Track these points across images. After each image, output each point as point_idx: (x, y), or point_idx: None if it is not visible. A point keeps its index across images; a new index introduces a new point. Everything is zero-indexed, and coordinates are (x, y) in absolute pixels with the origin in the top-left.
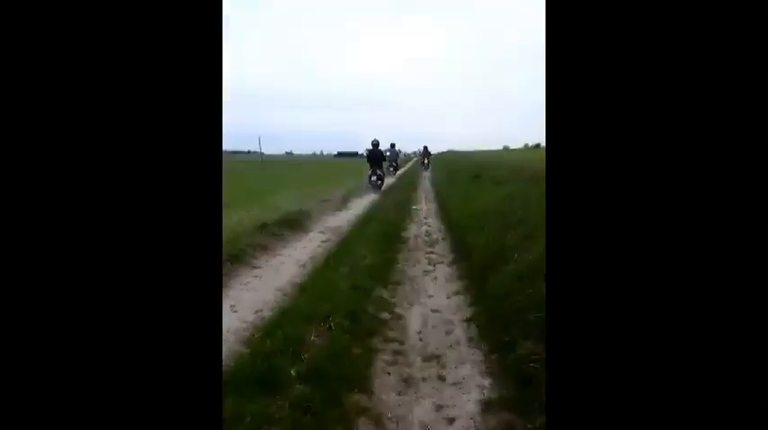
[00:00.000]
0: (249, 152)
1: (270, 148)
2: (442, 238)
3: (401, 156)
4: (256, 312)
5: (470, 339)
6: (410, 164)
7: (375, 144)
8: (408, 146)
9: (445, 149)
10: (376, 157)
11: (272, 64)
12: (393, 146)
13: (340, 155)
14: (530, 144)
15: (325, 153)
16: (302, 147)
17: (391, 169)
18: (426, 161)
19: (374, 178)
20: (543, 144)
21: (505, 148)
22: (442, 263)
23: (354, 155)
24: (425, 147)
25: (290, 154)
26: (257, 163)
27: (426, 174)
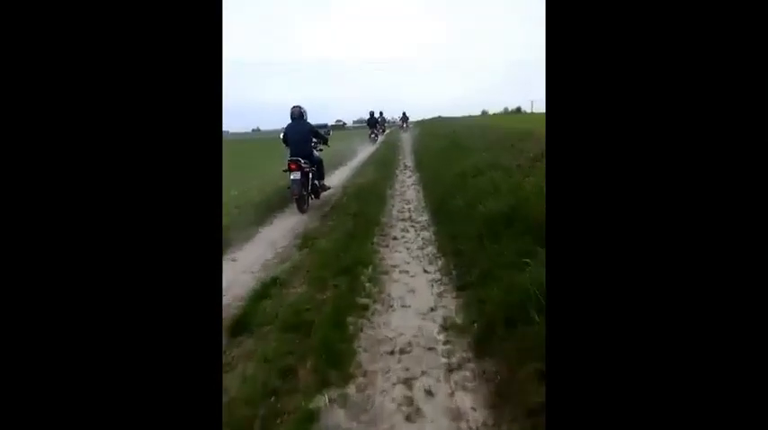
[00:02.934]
0: None
1: (235, 126)
2: (414, 161)
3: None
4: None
5: (417, 189)
6: (393, 128)
7: (371, 114)
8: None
9: (427, 117)
10: (373, 122)
11: (240, 34)
12: (381, 114)
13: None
14: (509, 108)
15: None
16: (270, 122)
17: (381, 131)
18: (405, 125)
19: (372, 135)
20: (523, 108)
21: (484, 113)
22: (412, 168)
23: (324, 127)
24: (404, 113)
25: (257, 131)
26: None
27: (405, 135)
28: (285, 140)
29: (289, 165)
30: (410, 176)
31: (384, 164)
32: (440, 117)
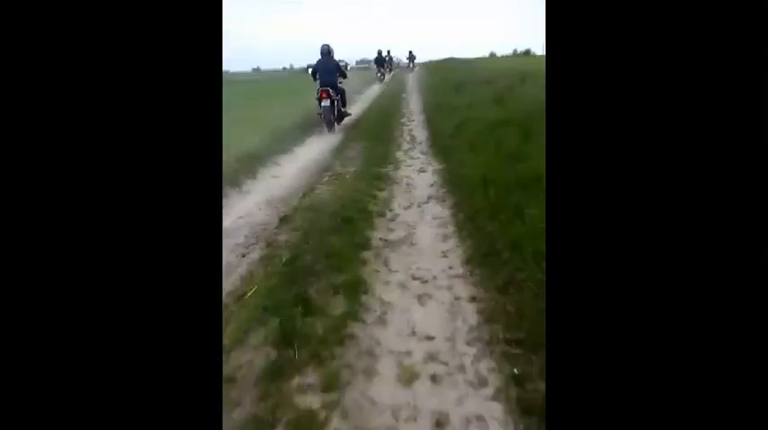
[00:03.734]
0: None
1: (234, 66)
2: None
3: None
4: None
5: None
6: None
7: (379, 52)
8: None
9: (438, 58)
10: (380, 61)
11: None
12: (389, 52)
13: (309, 67)
14: (519, 50)
15: (295, 67)
16: (271, 62)
17: (388, 70)
18: (411, 65)
19: (379, 75)
20: (533, 51)
21: (492, 55)
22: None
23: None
24: (410, 52)
25: (257, 70)
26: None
27: (411, 75)
28: (314, 74)
29: (320, 93)
30: (415, 101)
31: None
32: (452, 58)
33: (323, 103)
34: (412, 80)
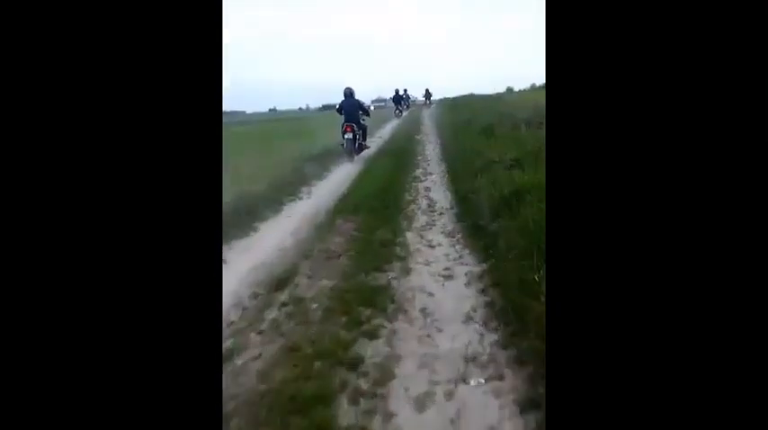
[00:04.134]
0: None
1: (251, 107)
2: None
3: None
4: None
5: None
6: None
7: (396, 91)
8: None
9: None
10: (398, 99)
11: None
12: (405, 91)
13: (325, 108)
14: (537, 84)
15: (311, 107)
16: (286, 103)
17: (406, 107)
18: (428, 102)
19: (397, 111)
20: None
21: (509, 90)
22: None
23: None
24: (427, 90)
25: (273, 110)
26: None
27: (427, 111)
28: (339, 111)
29: (345, 128)
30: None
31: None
32: (471, 95)
33: (346, 136)
34: (428, 119)
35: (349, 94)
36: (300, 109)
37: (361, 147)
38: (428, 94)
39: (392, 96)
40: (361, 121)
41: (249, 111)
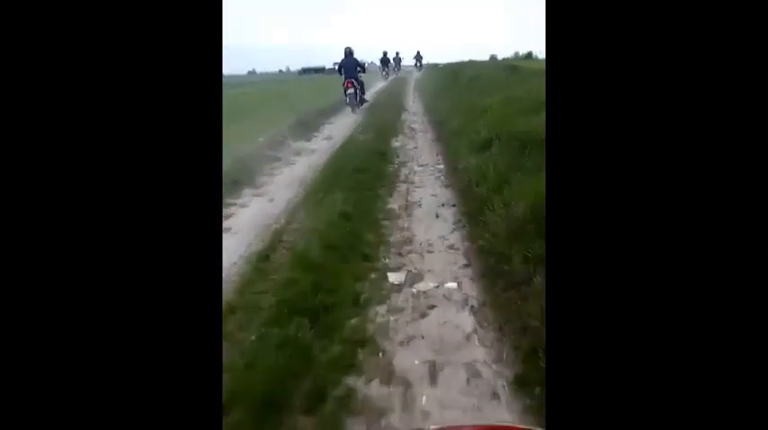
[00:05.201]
0: None
1: (228, 68)
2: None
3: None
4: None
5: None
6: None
7: (384, 53)
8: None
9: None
10: (385, 61)
11: None
12: (397, 54)
13: (305, 71)
14: (520, 53)
15: (291, 69)
16: (266, 65)
17: (395, 69)
18: (419, 64)
19: (384, 73)
20: (535, 53)
21: (492, 58)
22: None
23: (322, 70)
24: (418, 52)
25: (252, 72)
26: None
27: (418, 74)
28: (339, 70)
29: (346, 83)
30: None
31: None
32: (472, 61)
33: (348, 91)
34: (423, 94)
35: (348, 53)
36: (281, 71)
37: (362, 100)
38: (419, 57)
39: (380, 58)
40: (359, 77)
41: (226, 72)
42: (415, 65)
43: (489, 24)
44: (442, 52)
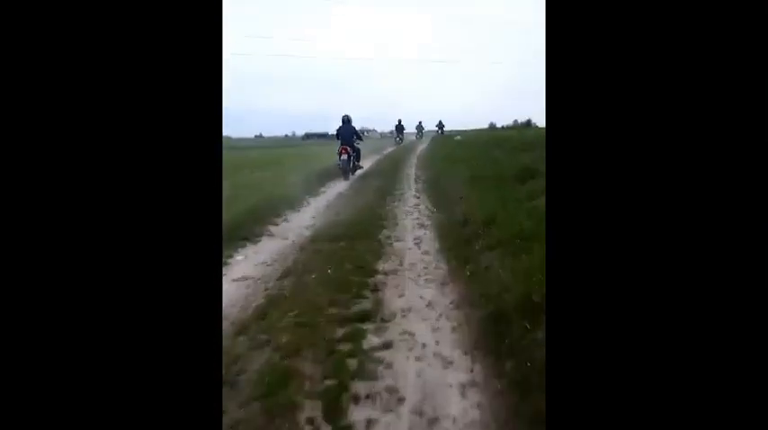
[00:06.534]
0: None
1: (237, 132)
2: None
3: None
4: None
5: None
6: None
7: (399, 121)
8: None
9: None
10: (400, 128)
11: (239, 44)
12: (400, 121)
13: (308, 137)
14: (519, 121)
15: (297, 134)
16: (273, 130)
17: (401, 137)
18: (420, 134)
19: (398, 139)
20: (534, 121)
21: (491, 126)
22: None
23: (325, 136)
24: (420, 122)
25: (259, 137)
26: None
27: (419, 142)
28: (337, 135)
29: (340, 149)
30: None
31: None
32: (493, 127)
33: (342, 157)
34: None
35: (346, 120)
36: (287, 136)
37: (355, 167)
38: (420, 126)
39: (396, 125)
40: (355, 145)
41: (234, 136)
42: (417, 135)
43: (489, 92)
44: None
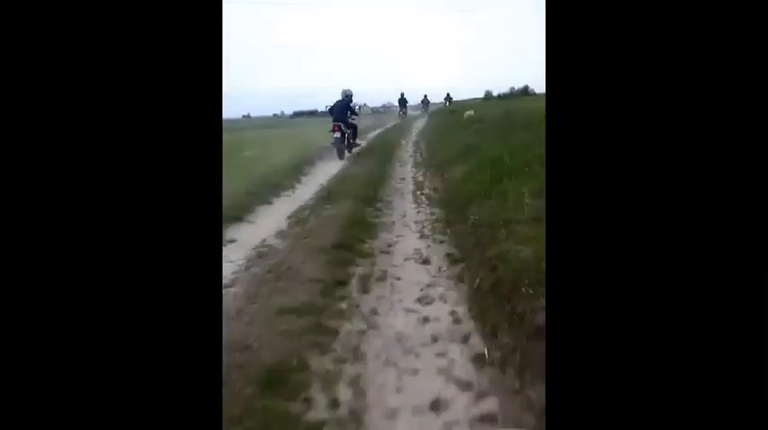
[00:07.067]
0: None
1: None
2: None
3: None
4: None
5: None
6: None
7: (402, 94)
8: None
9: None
10: (403, 102)
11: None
12: (402, 95)
13: (296, 114)
14: (516, 87)
15: (286, 113)
16: (260, 109)
17: (405, 109)
18: (425, 108)
19: (401, 113)
20: (532, 87)
21: (488, 95)
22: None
23: (314, 113)
24: (425, 96)
25: (247, 117)
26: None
27: (424, 115)
28: (330, 112)
29: (333, 127)
30: None
31: None
32: (474, 99)
33: (334, 135)
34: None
35: (343, 95)
36: (275, 115)
37: (351, 145)
38: (426, 100)
39: (399, 99)
40: (350, 121)
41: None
42: (423, 108)
43: (484, 58)
44: (438, 88)
